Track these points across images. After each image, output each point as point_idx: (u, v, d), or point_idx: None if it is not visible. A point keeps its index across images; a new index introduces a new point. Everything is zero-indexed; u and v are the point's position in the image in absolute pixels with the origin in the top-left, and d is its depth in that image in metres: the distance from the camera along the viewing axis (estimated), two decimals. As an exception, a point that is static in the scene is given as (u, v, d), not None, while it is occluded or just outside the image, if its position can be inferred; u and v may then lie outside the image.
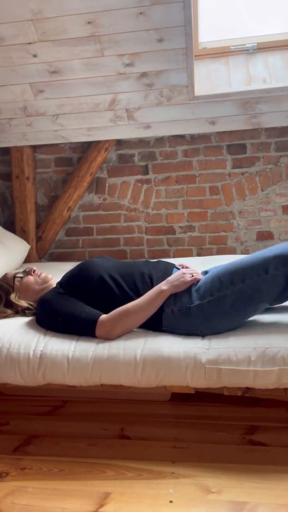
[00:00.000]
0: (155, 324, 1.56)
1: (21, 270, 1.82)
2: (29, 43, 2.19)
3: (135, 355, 1.45)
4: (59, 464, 1.41)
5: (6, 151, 2.86)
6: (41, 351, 1.51)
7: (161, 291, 1.53)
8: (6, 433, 1.61)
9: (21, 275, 1.77)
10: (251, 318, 1.59)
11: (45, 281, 1.77)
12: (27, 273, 1.78)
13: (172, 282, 1.54)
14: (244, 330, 1.52)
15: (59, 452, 1.47)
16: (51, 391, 1.74)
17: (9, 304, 1.74)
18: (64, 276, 1.72)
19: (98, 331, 1.51)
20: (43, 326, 1.62)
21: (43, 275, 1.78)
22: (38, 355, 1.51)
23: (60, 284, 1.70)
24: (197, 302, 1.50)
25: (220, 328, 1.51)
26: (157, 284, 1.58)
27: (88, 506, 1.23)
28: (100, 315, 1.53)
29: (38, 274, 1.78)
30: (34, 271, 1.78)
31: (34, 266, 1.90)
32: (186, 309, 1.51)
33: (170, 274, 1.64)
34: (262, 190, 2.70)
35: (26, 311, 1.74)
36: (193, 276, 1.55)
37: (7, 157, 2.87)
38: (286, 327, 1.51)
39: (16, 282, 1.75)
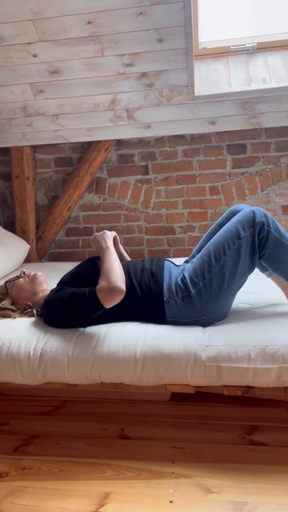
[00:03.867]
0: (159, 316, 1.59)
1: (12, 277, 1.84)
2: (29, 43, 2.19)
3: (135, 352, 1.45)
4: (59, 464, 1.41)
5: (6, 151, 2.86)
6: (42, 349, 1.51)
7: (108, 248, 1.63)
8: (6, 433, 1.61)
9: (11, 281, 1.79)
10: (250, 314, 1.63)
11: (34, 278, 1.78)
12: (18, 277, 1.81)
13: (106, 239, 1.67)
14: (244, 327, 1.52)
15: (59, 452, 1.47)
16: (51, 391, 1.74)
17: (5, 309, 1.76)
18: (64, 276, 1.73)
19: (101, 295, 1.47)
20: (54, 324, 1.62)
21: (31, 274, 1.80)
22: (39, 353, 1.51)
23: (60, 283, 1.71)
24: (194, 290, 1.58)
25: (220, 305, 1.59)
26: (159, 277, 1.64)
27: (88, 506, 1.23)
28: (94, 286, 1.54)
29: (27, 274, 1.81)
30: (24, 272, 1.81)
31: (34, 266, 1.91)
32: (188, 297, 1.57)
33: (162, 267, 1.70)
34: (262, 190, 2.70)
35: (29, 311, 1.74)
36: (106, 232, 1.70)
37: (7, 157, 2.87)
38: (286, 325, 1.51)
39: (8, 288, 1.77)
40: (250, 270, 1.64)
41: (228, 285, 1.58)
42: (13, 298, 1.76)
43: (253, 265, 1.62)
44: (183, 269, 1.69)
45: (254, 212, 1.59)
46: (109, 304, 1.48)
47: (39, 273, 1.81)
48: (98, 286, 1.49)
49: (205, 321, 1.59)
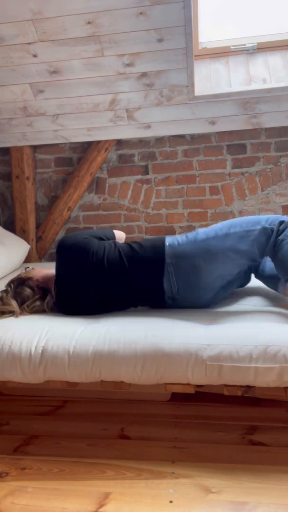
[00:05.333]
0: (158, 262, 1.68)
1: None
2: (29, 43, 2.19)
3: (136, 350, 1.45)
4: (59, 464, 1.41)
5: (6, 151, 2.86)
6: (43, 347, 1.51)
7: None
8: (6, 433, 1.61)
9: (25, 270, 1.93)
10: (252, 314, 1.63)
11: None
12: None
13: None
14: (245, 327, 1.52)
15: (59, 452, 1.47)
16: (52, 391, 1.74)
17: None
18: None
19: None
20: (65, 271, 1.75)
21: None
22: (40, 351, 1.51)
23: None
24: (200, 237, 1.70)
25: (212, 273, 1.67)
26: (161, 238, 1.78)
27: (88, 506, 1.23)
28: None
29: None
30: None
31: (34, 266, 1.92)
32: (193, 237, 1.71)
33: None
34: (262, 190, 2.70)
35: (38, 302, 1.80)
36: None
37: (7, 157, 2.87)
38: (287, 325, 1.51)
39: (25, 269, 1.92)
40: (252, 260, 1.70)
41: (226, 250, 1.65)
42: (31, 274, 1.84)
43: (254, 256, 1.68)
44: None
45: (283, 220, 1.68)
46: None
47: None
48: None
49: (202, 271, 1.65)
